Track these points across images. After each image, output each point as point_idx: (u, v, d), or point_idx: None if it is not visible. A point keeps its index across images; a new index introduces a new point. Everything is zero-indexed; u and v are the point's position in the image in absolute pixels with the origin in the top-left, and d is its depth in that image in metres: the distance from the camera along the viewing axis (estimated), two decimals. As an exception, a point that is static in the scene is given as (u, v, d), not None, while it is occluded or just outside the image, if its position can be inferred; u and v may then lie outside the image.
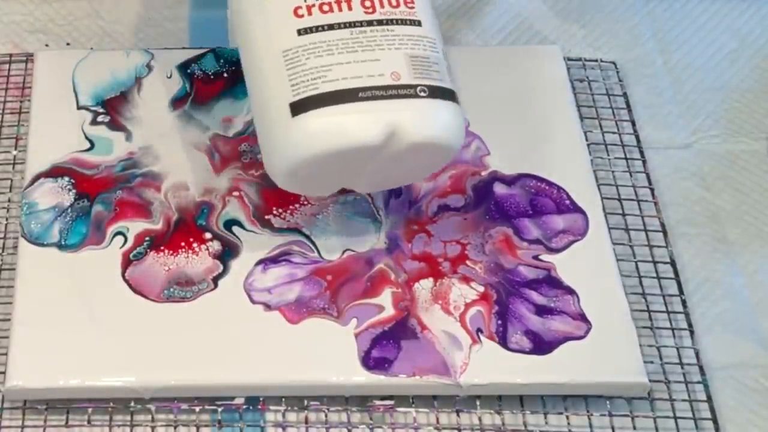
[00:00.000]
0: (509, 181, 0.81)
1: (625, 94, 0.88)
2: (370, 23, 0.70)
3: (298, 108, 0.69)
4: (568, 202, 0.80)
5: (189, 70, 0.85)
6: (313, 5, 0.71)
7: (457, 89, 0.71)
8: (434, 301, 0.75)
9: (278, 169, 0.71)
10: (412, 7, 0.72)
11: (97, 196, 0.78)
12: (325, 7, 0.71)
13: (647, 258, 0.79)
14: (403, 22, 0.71)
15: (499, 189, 0.80)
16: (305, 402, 0.72)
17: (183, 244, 0.76)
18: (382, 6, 0.71)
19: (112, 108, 0.82)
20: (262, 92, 0.71)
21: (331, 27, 0.70)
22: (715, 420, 0.73)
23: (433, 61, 0.70)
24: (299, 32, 0.70)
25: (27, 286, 0.74)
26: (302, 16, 0.70)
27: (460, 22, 0.92)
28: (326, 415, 0.72)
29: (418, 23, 0.71)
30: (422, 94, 0.69)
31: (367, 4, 0.71)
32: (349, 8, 0.71)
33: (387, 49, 0.70)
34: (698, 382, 0.74)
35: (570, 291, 0.76)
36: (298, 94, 0.69)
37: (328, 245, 0.77)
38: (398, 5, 0.71)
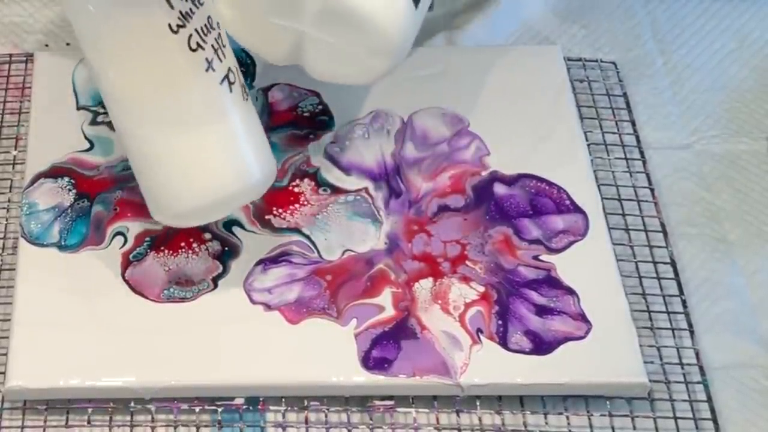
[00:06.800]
0: (509, 181, 0.80)
1: (625, 94, 0.88)
2: None
3: None
4: (568, 202, 0.80)
5: (189, 70, 0.85)
6: None
7: None
8: (434, 301, 0.75)
9: None
10: None
11: (97, 196, 0.78)
12: None
13: (647, 258, 0.79)
14: None
15: (499, 189, 0.80)
16: (305, 402, 0.72)
17: (183, 244, 0.76)
18: None
19: (112, 108, 0.82)
20: None
21: None
22: (715, 420, 0.73)
23: None
24: None
25: (27, 286, 0.74)
26: None
27: (460, 23, 0.92)
28: (326, 415, 0.72)
29: None
30: None
31: None
32: None
33: None
34: (698, 383, 0.74)
35: (570, 291, 0.75)
36: None
37: (328, 245, 0.77)
38: None
